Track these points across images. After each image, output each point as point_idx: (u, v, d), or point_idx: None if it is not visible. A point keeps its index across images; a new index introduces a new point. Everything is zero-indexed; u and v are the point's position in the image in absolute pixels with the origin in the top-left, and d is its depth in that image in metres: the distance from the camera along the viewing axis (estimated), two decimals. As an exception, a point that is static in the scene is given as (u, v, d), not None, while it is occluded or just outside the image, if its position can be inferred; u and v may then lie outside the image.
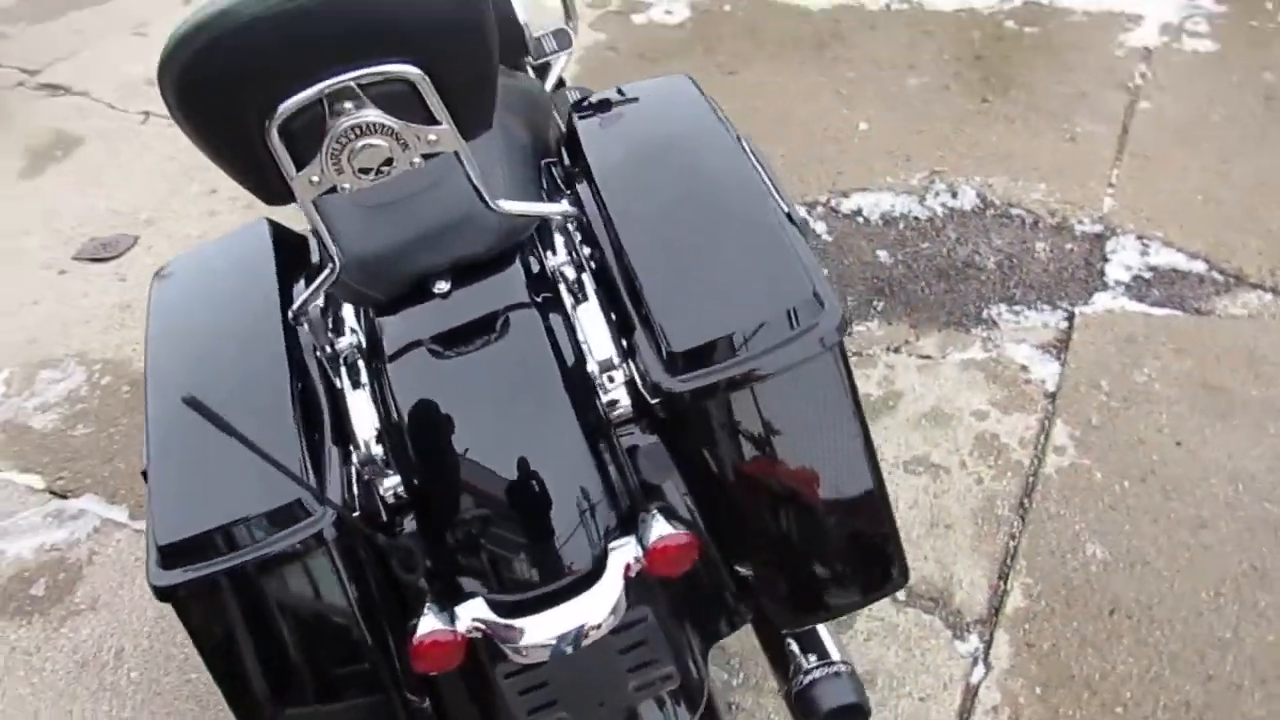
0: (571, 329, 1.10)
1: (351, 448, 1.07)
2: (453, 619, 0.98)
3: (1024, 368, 1.93)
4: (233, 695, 1.03)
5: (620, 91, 1.34)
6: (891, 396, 1.91)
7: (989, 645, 1.53)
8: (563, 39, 2.17)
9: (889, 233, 2.33)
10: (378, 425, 1.07)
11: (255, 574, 0.99)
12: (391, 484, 1.05)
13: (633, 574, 1.00)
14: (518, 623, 0.98)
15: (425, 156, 0.94)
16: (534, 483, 1.03)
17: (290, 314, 1.08)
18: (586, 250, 1.19)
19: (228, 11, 0.82)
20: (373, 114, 0.89)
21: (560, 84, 2.38)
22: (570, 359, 1.08)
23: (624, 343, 1.10)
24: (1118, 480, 1.70)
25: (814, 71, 2.96)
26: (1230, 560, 1.58)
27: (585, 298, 1.11)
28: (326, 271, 1.05)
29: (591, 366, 1.06)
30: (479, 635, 0.98)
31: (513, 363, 1.06)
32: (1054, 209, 2.32)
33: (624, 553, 1.00)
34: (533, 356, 1.06)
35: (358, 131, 0.89)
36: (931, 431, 1.83)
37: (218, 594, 0.99)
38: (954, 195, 2.40)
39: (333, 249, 1.03)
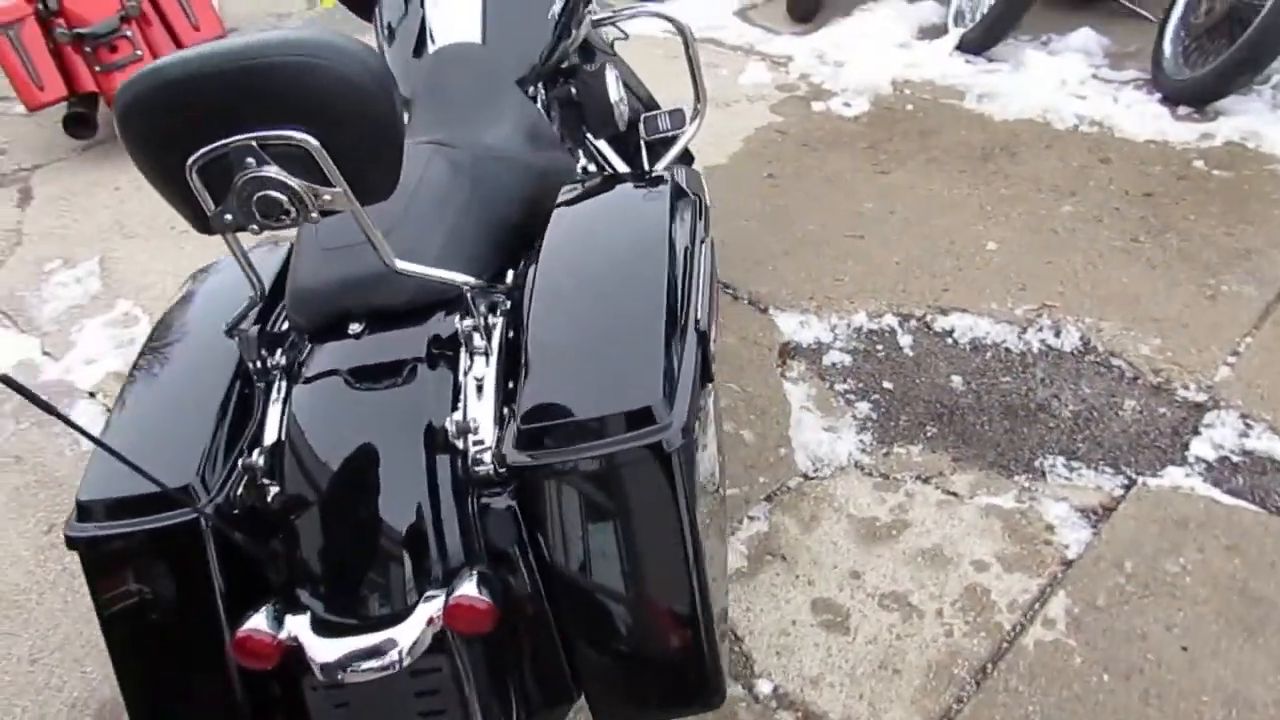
0: (457, 389, 1.20)
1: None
2: (280, 625, 1.09)
3: (1050, 527, 1.81)
4: (109, 639, 1.19)
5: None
6: (897, 525, 1.84)
7: (896, 805, 1.45)
8: (677, 119, 2.28)
9: (973, 360, 2.24)
10: (274, 438, 1.20)
11: (140, 543, 1.14)
12: (274, 492, 1.18)
13: (436, 626, 1.07)
14: (322, 642, 1.07)
15: (323, 213, 1.07)
16: (373, 523, 1.12)
17: (224, 329, 1.24)
18: (510, 320, 1.27)
19: (159, 69, 0.99)
20: (272, 170, 1.03)
21: (686, 157, 2.49)
22: (441, 417, 1.16)
23: (505, 410, 1.18)
24: (1098, 671, 1.55)
25: (967, 183, 2.89)
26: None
27: (472, 364, 1.20)
28: (250, 298, 1.21)
29: (450, 426, 1.14)
30: (294, 645, 1.09)
31: (388, 409, 1.17)
32: (1160, 368, 2.14)
33: (434, 605, 1.08)
34: (404, 407, 1.16)
35: (257, 183, 1.04)
36: (922, 571, 1.75)
37: (110, 553, 1.16)
38: (1057, 334, 2.27)
39: (254, 278, 1.19)
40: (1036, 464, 1.95)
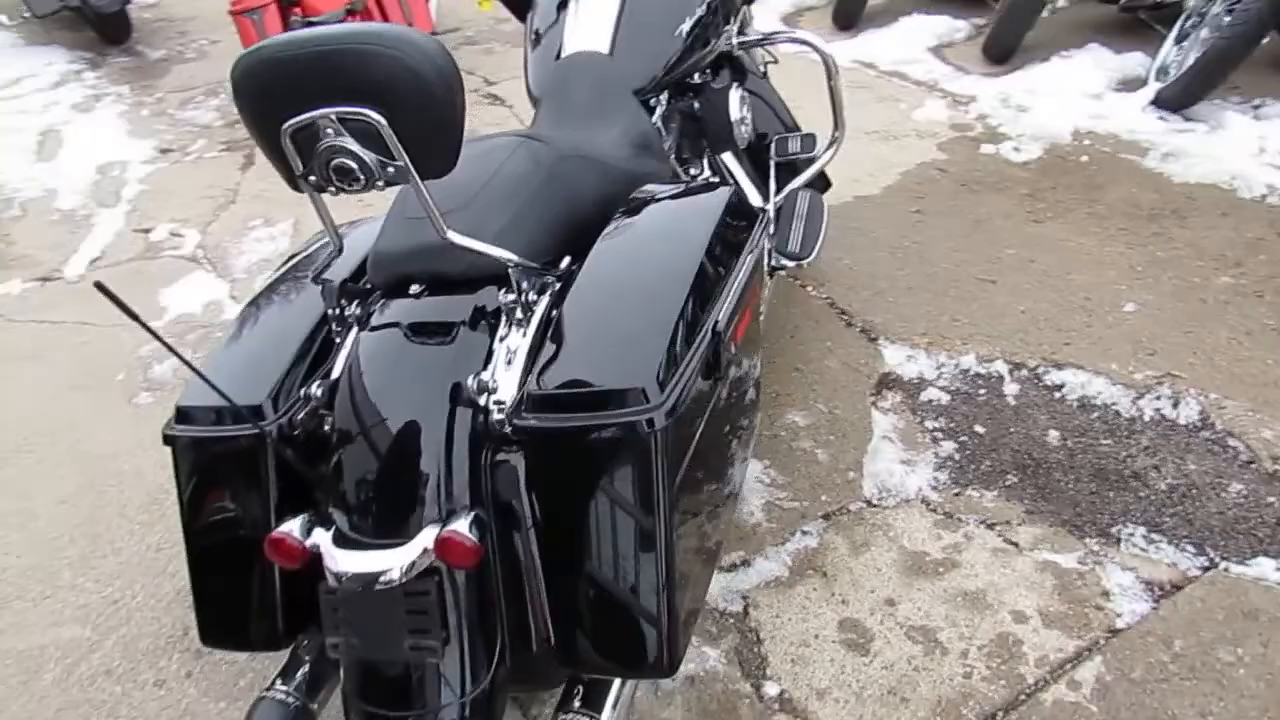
0: (490, 354, 1.33)
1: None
2: (309, 534, 1.27)
3: (1106, 594, 1.75)
4: (184, 525, 1.40)
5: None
6: (946, 564, 1.83)
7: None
8: (808, 143, 2.35)
9: (1076, 417, 2.17)
10: (335, 376, 1.38)
11: (216, 449, 1.35)
12: (326, 421, 1.36)
13: (430, 555, 1.21)
14: (337, 553, 1.24)
15: (388, 184, 1.24)
16: (396, 458, 1.28)
17: (310, 278, 1.44)
18: (556, 301, 1.40)
19: (263, 48, 1.19)
20: (347, 141, 1.20)
21: (823, 183, 2.56)
22: (470, 376, 1.30)
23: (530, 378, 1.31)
24: (1113, 741, 1.51)
25: (1124, 242, 2.78)
26: None
27: (509, 333, 1.33)
28: (329, 253, 1.40)
29: (472, 384, 1.28)
30: (317, 553, 1.26)
31: (427, 363, 1.32)
32: (1280, 454, 2.01)
33: (430, 535, 1.21)
34: (441, 364, 1.31)
35: (334, 151, 1.21)
36: (958, 611, 1.74)
37: (192, 453, 1.37)
38: (1175, 405, 2.16)
39: (332, 236, 1.38)
40: (1113, 530, 1.89)
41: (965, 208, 3.04)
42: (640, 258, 1.41)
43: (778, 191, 2.42)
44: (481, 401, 1.28)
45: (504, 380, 1.30)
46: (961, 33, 4.48)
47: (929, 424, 2.20)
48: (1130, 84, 3.72)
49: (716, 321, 1.33)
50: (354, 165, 1.22)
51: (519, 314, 1.35)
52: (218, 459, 1.37)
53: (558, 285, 1.41)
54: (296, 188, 1.29)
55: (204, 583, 1.41)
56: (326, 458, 1.33)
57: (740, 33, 2.52)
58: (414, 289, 1.38)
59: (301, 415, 1.36)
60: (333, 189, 1.26)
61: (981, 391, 2.28)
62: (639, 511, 1.19)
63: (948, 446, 2.13)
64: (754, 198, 2.31)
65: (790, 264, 2.27)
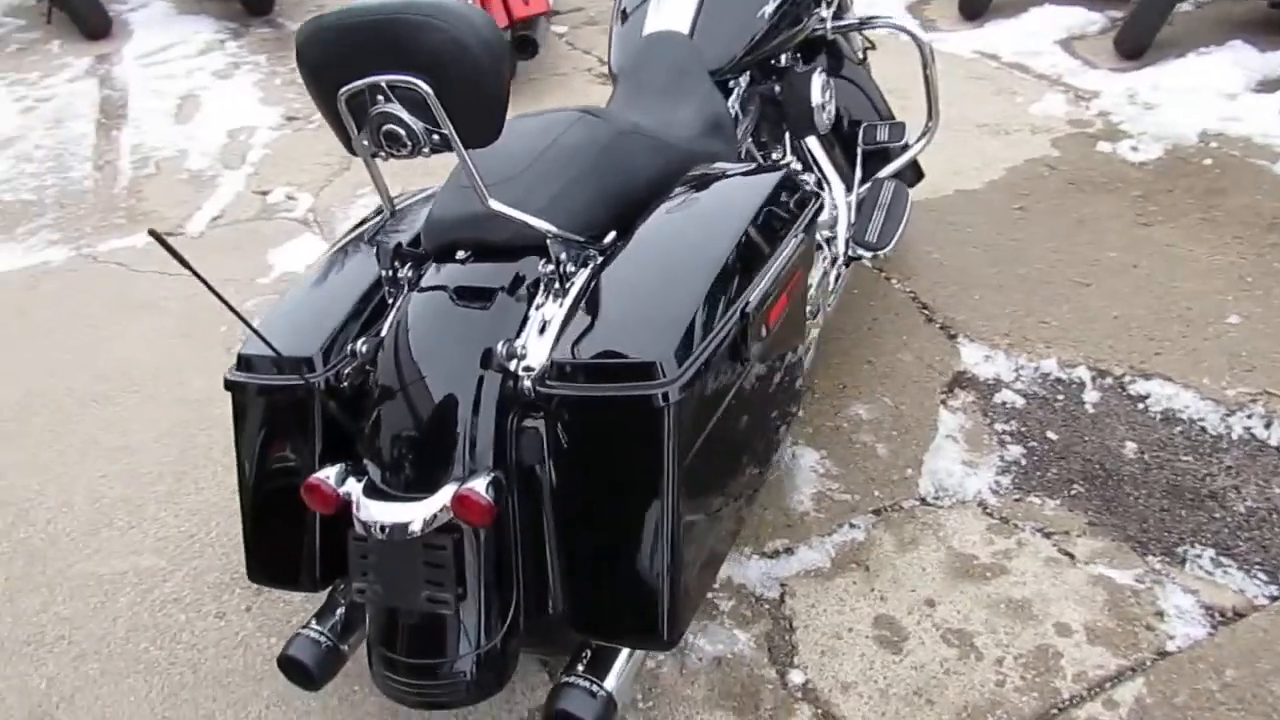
0: (526, 320, 1.37)
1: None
2: (343, 482, 1.33)
3: (1161, 614, 1.67)
4: (237, 464, 1.50)
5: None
6: (995, 569, 1.79)
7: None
8: (896, 133, 2.32)
9: (1157, 430, 2.07)
10: (382, 335, 1.44)
11: (269, 396, 1.43)
12: (370, 376, 1.43)
13: (449, 511, 1.26)
14: (366, 502, 1.30)
15: (433, 150, 1.29)
16: (428, 417, 1.33)
17: (365, 240, 1.50)
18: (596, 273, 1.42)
19: (321, 19, 1.25)
20: (395, 108, 1.26)
21: (914, 173, 2.51)
22: (503, 342, 1.34)
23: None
24: (1145, 766, 1.45)
25: (1236, 251, 2.63)
26: None
27: (545, 302, 1.37)
28: (379, 217, 1.46)
29: (502, 350, 1.31)
30: (349, 499, 1.32)
31: (465, 327, 1.37)
32: (1378, 487, 1.88)
33: (450, 492, 1.26)
34: (478, 328, 1.36)
35: (384, 118, 1.27)
36: (1000, 618, 1.69)
37: (248, 399, 1.46)
38: (1267, 425, 2.04)
39: (384, 200, 1.44)
40: (1180, 550, 1.80)
41: (1071, 206, 2.92)
42: (680, 235, 1.42)
43: (864, 180, 2.38)
44: (511, 367, 1.31)
45: (535, 348, 1.33)
46: (1095, 25, 4.27)
47: (998, 426, 2.13)
48: (1271, 85, 3.50)
49: (747, 303, 1.33)
50: (402, 132, 1.27)
51: (556, 284, 1.38)
52: (270, 406, 1.46)
53: (599, 259, 1.43)
54: (352, 151, 1.35)
55: (252, 522, 1.50)
56: (366, 412, 1.39)
57: (837, 16, 2.49)
58: (460, 255, 1.43)
59: (349, 370, 1.43)
60: (384, 154, 1.32)
61: (1059, 397, 2.20)
62: (647, 485, 1.21)
63: (1015, 451, 2.06)
64: (837, 185, 2.28)
65: (866, 254, 2.23)
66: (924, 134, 2.53)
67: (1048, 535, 1.85)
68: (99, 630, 1.82)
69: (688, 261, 1.35)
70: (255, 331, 1.33)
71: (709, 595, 1.76)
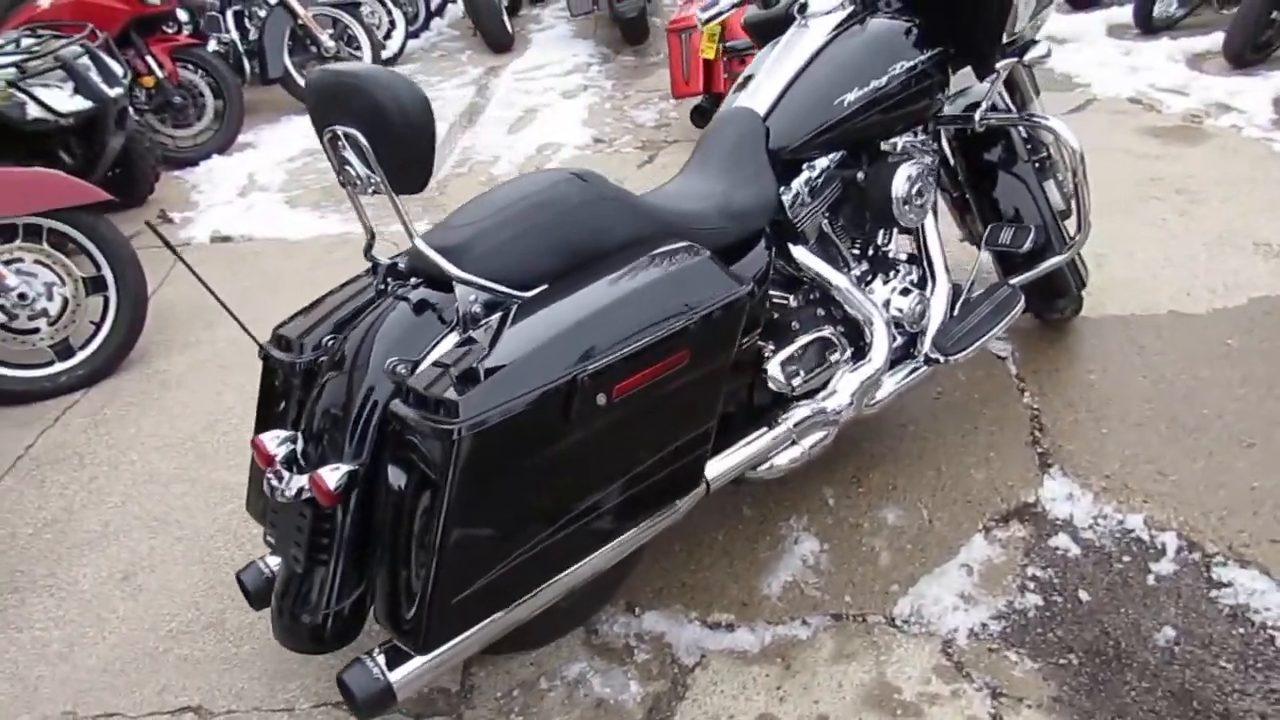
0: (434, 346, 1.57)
1: None
2: (280, 445, 1.64)
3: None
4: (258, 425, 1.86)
5: None
6: (909, 710, 1.65)
7: None
8: (1020, 237, 2.27)
9: (1213, 627, 1.76)
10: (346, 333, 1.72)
11: (274, 369, 1.78)
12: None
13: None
14: (280, 466, 1.59)
15: (375, 192, 1.55)
16: (334, 409, 1.58)
17: (364, 253, 1.78)
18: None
19: (319, 74, 1.55)
20: (348, 153, 1.53)
21: (1075, 281, 2.36)
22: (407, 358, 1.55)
23: None
24: None
25: None
26: None
27: (448, 334, 1.56)
28: (369, 241, 1.73)
29: (396, 366, 1.53)
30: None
31: (388, 342, 1.59)
32: None
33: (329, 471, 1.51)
34: (393, 344, 1.57)
35: (341, 159, 1.55)
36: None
37: (268, 368, 1.81)
38: (1358, 659, 1.66)
39: (367, 226, 1.71)
40: (1140, 760, 1.56)
41: (1299, 355, 2.48)
42: (568, 298, 1.53)
43: (1005, 280, 2.31)
44: (398, 382, 1.53)
45: (421, 370, 1.54)
46: None
47: (1031, 570, 1.94)
48: None
49: (584, 370, 1.42)
50: (352, 173, 1.54)
51: (462, 322, 1.57)
52: (269, 375, 1.80)
53: (514, 306, 1.59)
54: (341, 184, 1.65)
55: (251, 466, 1.85)
56: (309, 394, 1.68)
57: (1012, 101, 2.40)
58: (413, 280, 1.67)
59: (321, 359, 1.73)
60: (351, 189, 1.60)
61: (1125, 559, 1.94)
62: (431, 507, 1.38)
63: (1030, 600, 1.87)
64: (941, 280, 2.19)
65: (939, 359, 2.12)
66: (1068, 248, 2.32)
67: (996, 695, 1.68)
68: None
69: (556, 321, 1.47)
70: (244, 327, 1.68)
71: (635, 635, 1.85)
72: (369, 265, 1.78)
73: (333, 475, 1.47)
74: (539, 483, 1.46)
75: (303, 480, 1.51)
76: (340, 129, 1.50)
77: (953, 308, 2.23)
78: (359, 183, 1.55)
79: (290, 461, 1.59)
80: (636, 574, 1.99)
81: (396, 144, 1.47)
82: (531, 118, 5.21)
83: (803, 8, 2.15)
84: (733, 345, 1.64)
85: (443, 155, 4.78)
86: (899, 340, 2.15)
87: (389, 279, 1.75)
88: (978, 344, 2.14)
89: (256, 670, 1.90)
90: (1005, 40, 2.12)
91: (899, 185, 2.02)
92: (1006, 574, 1.93)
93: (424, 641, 1.41)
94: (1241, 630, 1.76)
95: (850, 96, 1.99)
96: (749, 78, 2.16)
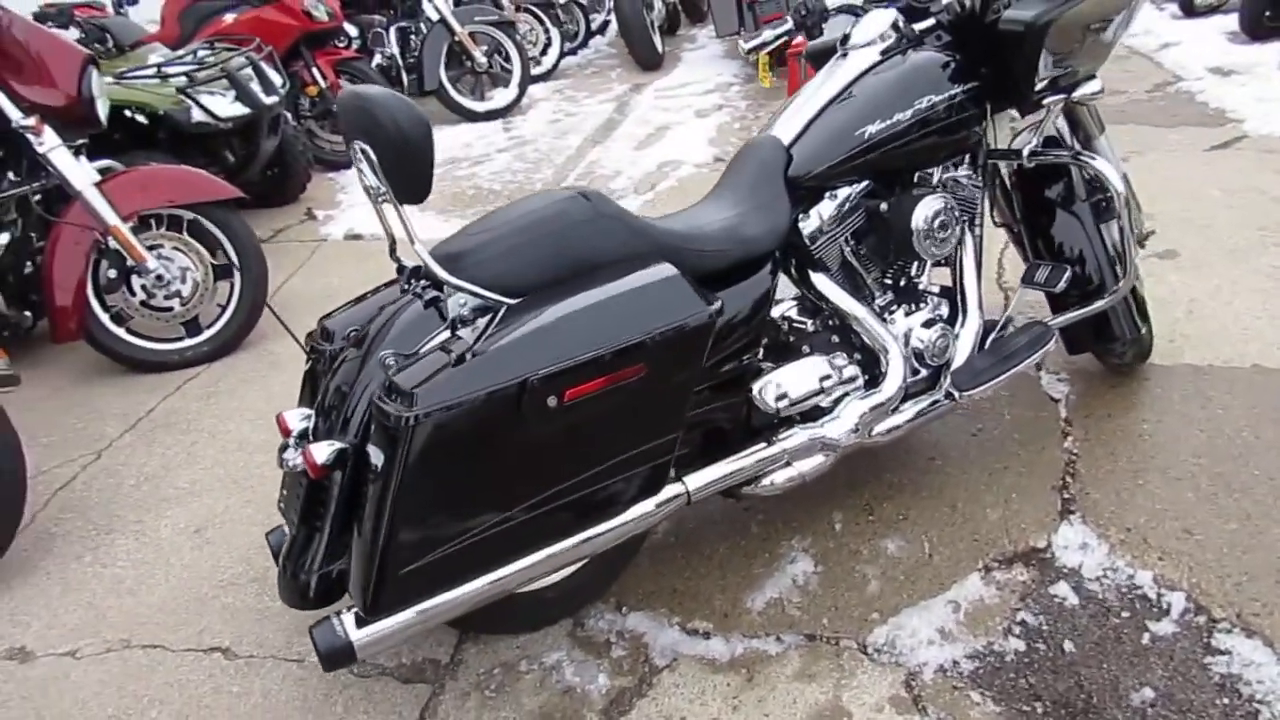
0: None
1: None
2: (300, 421, 1.85)
3: None
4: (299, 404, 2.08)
5: None
6: (854, 734, 1.69)
7: None
8: (1054, 277, 2.26)
9: (1197, 694, 1.68)
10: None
11: (315, 359, 1.99)
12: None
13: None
14: (295, 438, 1.79)
15: (383, 201, 1.72)
16: (339, 392, 1.77)
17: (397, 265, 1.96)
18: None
19: (345, 95, 1.74)
20: (363, 164, 1.72)
21: (1131, 326, 2.36)
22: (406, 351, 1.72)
23: None
24: None
25: None
26: None
27: (439, 334, 1.72)
28: (391, 243, 1.91)
29: (390, 357, 1.69)
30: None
31: (391, 335, 1.77)
32: None
33: (319, 447, 1.70)
34: (395, 337, 1.75)
35: (360, 172, 1.74)
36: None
37: (313, 358, 2.03)
38: (1345, 744, 1.56)
39: (388, 232, 1.89)
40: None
41: (1385, 422, 2.30)
42: (540, 309, 1.65)
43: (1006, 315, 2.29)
44: (390, 374, 1.70)
45: (405, 364, 1.69)
46: None
47: (1023, 615, 1.90)
48: None
49: (534, 374, 1.54)
50: (365, 184, 1.72)
51: (454, 323, 1.72)
52: (312, 360, 2.01)
53: (501, 311, 1.73)
54: (364, 190, 1.84)
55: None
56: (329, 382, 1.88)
57: (1075, 137, 2.37)
58: (423, 283, 1.84)
59: (346, 350, 1.92)
60: (369, 195, 1.78)
61: (1121, 614, 1.88)
62: (383, 484, 1.53)
63: (1011, 644, 1.84)
64: (973, 314, 2.19)
65: (957, 394, 2.11)
66: (1110, 293, 2.25)
67: (953, 754, 1.68)
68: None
69: (524, 326, 1.60)
70: (286, 328, 1.89)
71: (617, 633, 1.95)
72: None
73: (321, 451, 1.65)
74: (489, 474, 1.58)
75: (298, 454, 1.70)
76: (357, 144, 1.68)
77: (982, 344, 2.21)
78: (372, 191, 1.72)
79: (304, 436, 1.79)
80: (631, 575, 2.08)
81: (398, 159, 1.63)
82: (661, 135, 5.36)
83: (845, 39, 2.20)
84: (696, 362, 1.71)
85: (569, 168, 5.01)
86: (923, 373, 2.15)
87: (411, 280, 1.92)
88: (994, 382, 2.12)
89: (283, 624, 2.11)
90: (1046, 79, 2.10)
91: (919, 218, 2.03)
92: (995, 615, 1.91)
93: (371, 606, 1.56)
94: (1226, 700, 1.68)
95: (872, 128, 2.02)
96: (785, 106, 2.22)
